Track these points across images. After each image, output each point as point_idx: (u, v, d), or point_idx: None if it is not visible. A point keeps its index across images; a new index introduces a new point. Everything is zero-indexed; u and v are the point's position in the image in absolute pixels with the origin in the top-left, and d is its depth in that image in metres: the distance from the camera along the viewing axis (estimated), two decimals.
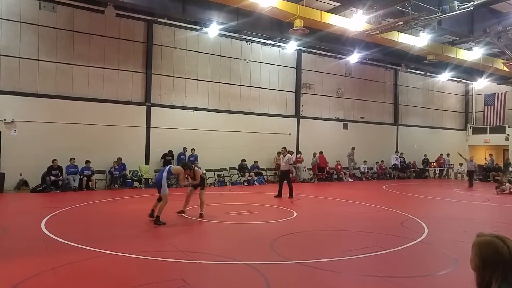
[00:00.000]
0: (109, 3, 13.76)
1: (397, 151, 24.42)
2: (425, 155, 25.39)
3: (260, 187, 17.13)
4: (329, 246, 7.02)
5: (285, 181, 13.43)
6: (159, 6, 14.09)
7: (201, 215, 9.06)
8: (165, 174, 8.50)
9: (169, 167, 8.89)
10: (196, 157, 17.23)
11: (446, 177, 25.76)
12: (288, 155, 13.49)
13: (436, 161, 25.44)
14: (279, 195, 13.08)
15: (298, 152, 20.15)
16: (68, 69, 15.20)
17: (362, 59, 20.85)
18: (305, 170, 20.79)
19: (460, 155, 21.22)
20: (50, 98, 14.72)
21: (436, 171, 25.67)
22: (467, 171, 20.64)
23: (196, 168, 9.49)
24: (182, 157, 16.83)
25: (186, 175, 8.97)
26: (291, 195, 13.04)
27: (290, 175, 13.47)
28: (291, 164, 13.44)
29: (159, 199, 8.50)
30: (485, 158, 24.96)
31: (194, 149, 17.28)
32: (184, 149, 17.02)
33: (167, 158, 16.51)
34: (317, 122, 21.77)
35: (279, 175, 13.84)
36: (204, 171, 17.25)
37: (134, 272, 5.18)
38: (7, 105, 14.02)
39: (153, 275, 5.00)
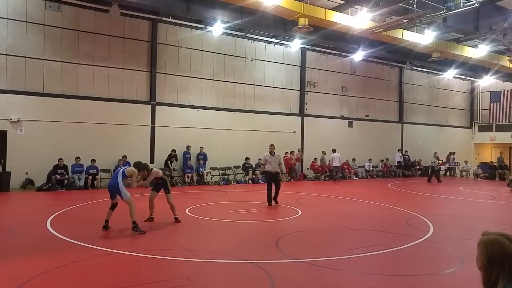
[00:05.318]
0: (114, 3, 13.83)
1: (400, 149, 24.28)
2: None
3: (265, 185, 17.02)
4: (334, 245, 7.01)
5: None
6: (164, 5, 14.11)
7: (176, 220, 8.37)
8: (120, 177, 7.55)
9: (124, 168, 7.91)
10: (204, 156, 17.26)
11: (447, 174, 25.47)
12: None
13: (446, 159, 25.08)
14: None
15: (301, 150, 20.08)
16: (73, 68, 15.28)
17: (366, 57, 20.75)
18: (308, 168, 20.77)
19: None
20: (56, 97, 14.83)
21: (442, 169, 25.37)
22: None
23: (154, 169, 8.68)
24: (187, 155, 16.87)
25: (139, 177, 8.23)
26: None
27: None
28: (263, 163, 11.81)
29: (112, 207, 7.67)
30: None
31: (203, 148, 17.33)
32: (188, 147, 17.02)
33: (170, 160, 16.49)
34: (322, 120, 21.72)
35: None
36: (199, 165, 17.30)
37: (139, 271, 5.20)
38: (13, 104, 14.13)
39: (158, 273, 5.02)
